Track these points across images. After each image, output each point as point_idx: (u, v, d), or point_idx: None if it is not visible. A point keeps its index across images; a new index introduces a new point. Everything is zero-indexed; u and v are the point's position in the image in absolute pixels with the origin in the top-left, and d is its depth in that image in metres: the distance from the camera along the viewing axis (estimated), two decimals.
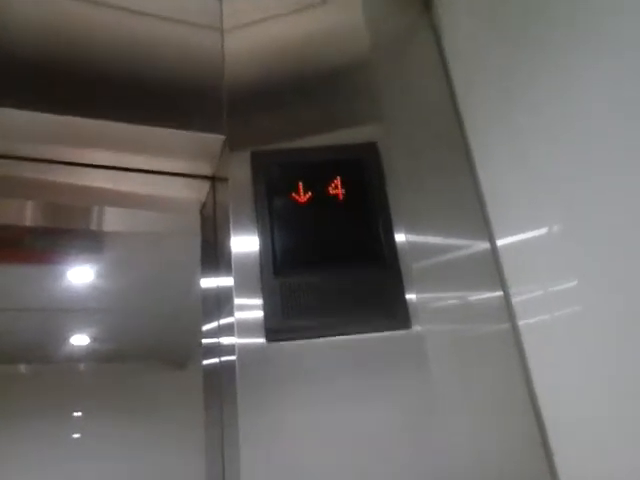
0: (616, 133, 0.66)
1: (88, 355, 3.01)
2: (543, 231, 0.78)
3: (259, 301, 0.78)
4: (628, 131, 0.64)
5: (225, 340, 0.84)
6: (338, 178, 0.86)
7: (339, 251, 0.82)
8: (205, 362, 0.97)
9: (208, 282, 0.99)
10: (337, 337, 0.77)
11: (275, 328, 0.76)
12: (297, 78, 0.96)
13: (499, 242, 0.86)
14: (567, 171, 0.74)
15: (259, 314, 0.77)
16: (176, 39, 0.97)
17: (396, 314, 0.79)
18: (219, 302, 0.90)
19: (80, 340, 2.90)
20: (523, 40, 0.82)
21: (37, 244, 1.85)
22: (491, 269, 0.85)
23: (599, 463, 0.69)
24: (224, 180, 0.91)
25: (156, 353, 3.11)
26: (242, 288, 0.79)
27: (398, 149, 0.91)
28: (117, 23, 0.95)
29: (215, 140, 0.91)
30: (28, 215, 1.04)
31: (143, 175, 0.98)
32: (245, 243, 0.82)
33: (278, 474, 0.69)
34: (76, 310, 2.41)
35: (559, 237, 0.75)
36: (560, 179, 0.75)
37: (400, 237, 0.84)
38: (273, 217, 0.83)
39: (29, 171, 0.93)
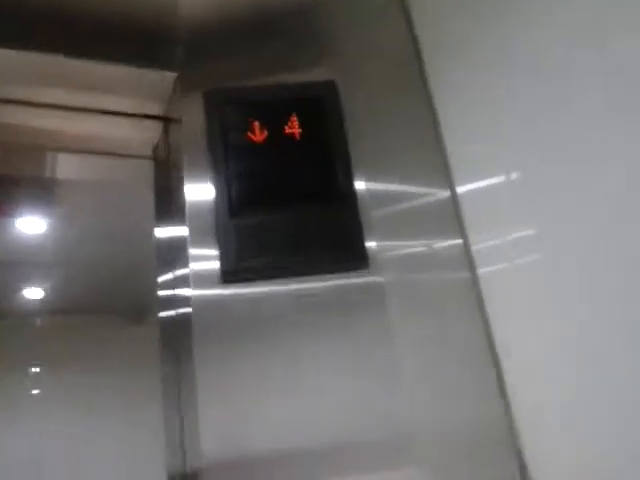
0: (577, 78, 0.65)
1: (43, 309, 2.95)
2: (503, 178, 0.77)
3: (215, 251, 0.75)
4: (590, 75, 0.63)
5: (180, 292, 0.81)
6: (295, 116, 0.83)
7: (296, 191, 0.80)
8: (161, 314, 0.94)
9: (162, 232, 0.96)
10: (294, 278, 0.76)
11: (231, 270, 0.75)
12: (255, 15, 0.92)
13: (459, 189, 0.85)
14: (528, 118, 0.73)
15: (215, 264, 0.75)
16: None
17: (354, 254, 0.78)
18: (174, 252, 0.88)
19: (34, 293, 2.84)
20: None
21: None
22: (451, 217, 0.84)
23: (556, 410, 0.69)
24: (177, 121, 0.87)
25: (114, 306, 3.07)
26: (197, 237, 0.77)
27: (357, 90, 0.88)
28: None
29: (167, 78, 0.87)
30: None
31: (93, 115, 0.93)
32: (199, 190, 0.79)
33: (236, 425, 0.68)
34: (28, 262, 2.33)
35: (519, 184, 0.75)
36: (521, 125, 0.74)
37: (360, 185, 0.82)
38: (228, 157, 0.80)
39: None
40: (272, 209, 0.79)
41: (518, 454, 0.73)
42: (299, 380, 0.72)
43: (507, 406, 0.75)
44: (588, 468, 0.65)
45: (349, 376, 0.73)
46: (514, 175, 0.75)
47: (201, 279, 0.74)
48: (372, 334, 0.75)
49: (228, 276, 0.75)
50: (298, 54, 0.90)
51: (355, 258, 0.78)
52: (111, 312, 3.16)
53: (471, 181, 0.83)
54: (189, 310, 0.73)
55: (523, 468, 0.72)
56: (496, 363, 0.77)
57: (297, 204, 0.80)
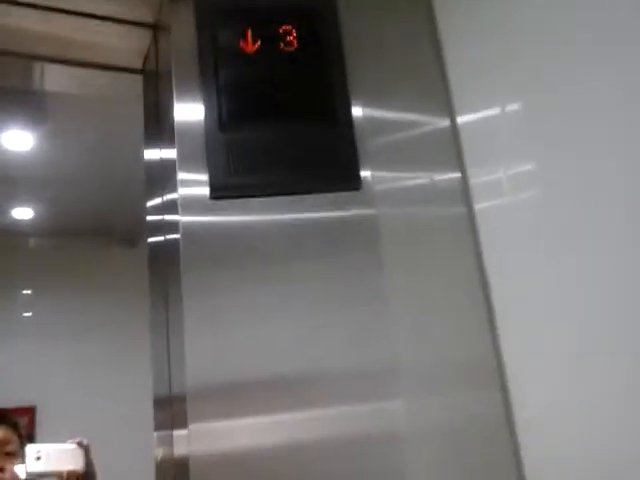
0: (582, 16, 0.63)
1: (34, 229, 2.91)
2: (504, 111, 0.75)
3: (204, 177, 0.72)
4: (593, 18, 0.62)
5: (169, 217, 0.79)
6: (291, 27, 0.79)
7: (290, 107, 0.77)
8: (150, 240, 0.93)
9: (151, 154, 0.93)
10: (285, 196, 0.74)
11: (220, 185, 0.72)
12: None
13: (460, 120, 0.82)
14: (532, 50, 0.70)
15: (204, 190, 0.72)
16: None
17: (346, 174, 0.76)
18: (163, 176, 0.84)
19: (24, 213, 2.79)
20: None
21: None
22: (450, 148, 0.82)
23: (548, 357, 0.69)
24: (166, 29, 0.83)
25: (106, 228, 3.02)
26: (186, 160, 0.73)
27: (359, 10, 0.84)
28: None
29: None
30: None
31: (80, 18, 0.89)
32: (189, 106, 0.75)
33: (221, 350, 0.68)
34: (16, 179, 2.26)
35: (520, 118, 0.73)
36: (524, 59, 0.72)
37: (357, 111, 0.79)
38: (219, 68, 0.76)
39: None
40: (264, 124, 0.76)
41: (503, 390, 0.73)
42: (287, 308, 0.71)
43: (495, 340, 0.75)
44: (570, 406, 0.66)
45: (338, 305, 0.72)
46: (515, 108, 0.74)
47: (190, 204, 0.72)
48: (364, 264, 0.74)
49: (217, 192, 0.72)
50: None
51: (348, 178, 0.76)
52: (103, 234, 3.13)
53: (472, 112, 0.81)
54: (177, 236, 0.71)
55: (507, 404, 0.72)
56: (487, 299, 0.76)
57: (290, 120, 0.77)
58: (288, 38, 0.79)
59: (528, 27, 0.70)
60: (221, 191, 0.72)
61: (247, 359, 0.68)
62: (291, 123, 0.77)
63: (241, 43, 0.77)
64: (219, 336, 0.68)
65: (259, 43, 0.78)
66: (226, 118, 0.75)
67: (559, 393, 0.67)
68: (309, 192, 0.74)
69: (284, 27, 0.79)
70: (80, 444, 1.20)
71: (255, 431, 0.66)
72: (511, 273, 0.75)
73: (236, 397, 0.67)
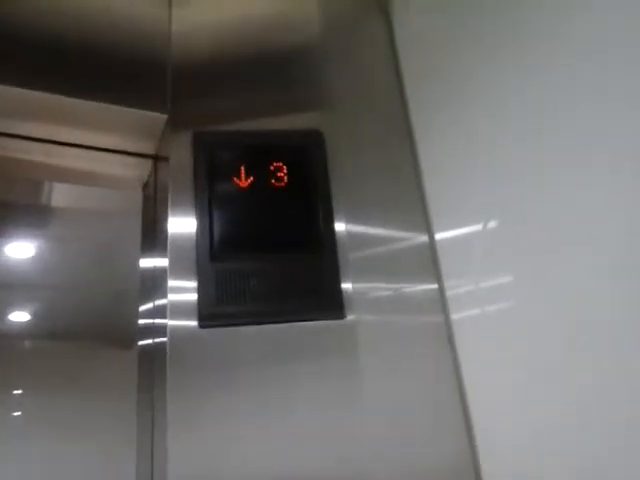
0: (555, 130, 0.67)
1: (28, 332, 2.93)
2: (480, 226, 0.78)
3: (193, 284, 0.76)
4: (567, 127, 0.65)
5: (158, 321, 0.83)
6: (281, 164, 0.85)
7: (278, 239, 0.81)
8: (140, 343, 0.96)
9: (146, 262, 0.97)
10: (270, 325, 0.77)
11: (208, 314, 0.75)
12: (246, 60, 0.95)
13: (437, 236, 0.87)
14: (506, 168, 0.74)
15: (193, 297, 0.75)
16: (122, 11, 0.94)
17: (331, 304, 0.79)
18: (155, 283, 0.89)
19: (20, 317, 2.83)
20: (472, 32, 0.83)
21: None
22: (428, 262, 0.86)
23: (525, 462, 0.70)
24: (165, 160, 0.88)
25: (101, 333, 3.04)
26: (177, 270, 0.77)
27: (343, 138, 0.90)
28: None
29: (157, 119, 0.89)
30: None
31: (84, 151, 0.95)
32: (183, 225, 0.80)
33: (203, 458, 0.69)
34: (15, 286, 2.34)
35: (496, 233, 0.76)
36: (499, 176, 0.75)
37: (340, 226, 0.83)
38: (213, 201, 0.81)
39: None
40: (253, 256, 0.79)
41: None
42: (268, 419, 0.72)
43: (474, 450, 0.76)
44: None
45: (318, 415, 0.74)
46: (490, 223, 0.77)
47: (179, 310, 0.75)
48: (343, 377, 0.76)
49: (205, 320, 0.75)
50: (286, 99, 0.92)
51: (332, 308, 0.79)
52: (98, 337, 3.14)
53: (449, 227, 0.85)
54: (165, 339, 0.74)
55: None
56: (464, 406, 0.78)
57: (278, 252, 0.80)
58: (279, 174, 0.84)
59: (504, 148, 0.75)
60: (208, 320, 0.75)
61: (227, 468, 0.69)
62: (278, 255, 0.80)
63: (235, 178, 0.82)
64: (201, 443, 0.69)
65: (252, 179, 0.83)
66: (217, 249, 0.78)
67: None
68: (293, 321, 0.77)
69: (275, 164, 0.84)
70: None
71: None
72: (486, 380, 0.76)
73: None
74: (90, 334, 2.98)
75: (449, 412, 0.77)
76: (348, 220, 0.84)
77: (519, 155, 0.72)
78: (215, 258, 0.78)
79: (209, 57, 0.93)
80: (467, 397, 0.78)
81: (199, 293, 0.75)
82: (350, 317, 0.78)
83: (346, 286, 0.80)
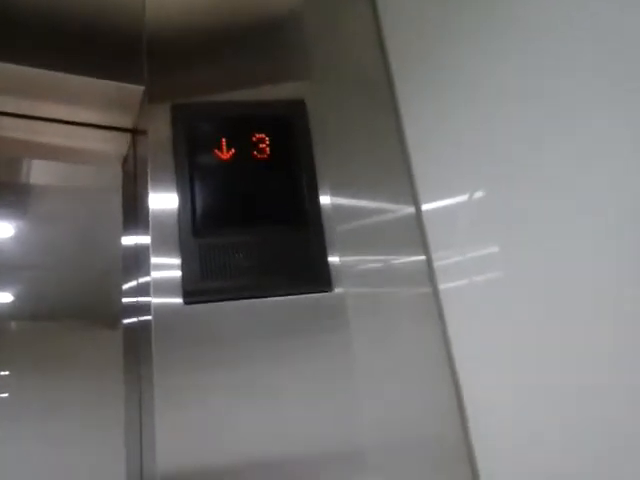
0: (539, 98, 0.66)
1: (13, 314, 2.93)
2: (467, 197, 0.78)
3: (177, 260, 0.75)
4: (552, 96, 0.65)
5: (142, 299, 0.82)
6: (264, 135, 0.83)
7: (261, 212, 0.80)
8: (125, 321, 0.95)
9: (128, 240, 0.96)
10: (255, 300, 0.76)
11: (193, 290, 0.74)
12: (224, 29, 0.92)
13: (424, 207, 0.86)
14: (491, 137, 0.74)
15: (176, 274, 0.75)
16: None
17: (318, 277, 0.78)
18: (138, 260, 0.88)
19: (3, 298, 2.82)
20: (456, 6, 0.81)
21: None
22: (415, 233, 0.86)
23: (511, 429, 0.70)
24: (144, 133, 0.86)
25: (86, 312, 3.05)
26: (159, 247, 0.76)
27: (326, 108, 0.89)
28: None
29: (134, 91, 0.86)
30: None
31: (61, 126, 0.93)
32: (164, 201, 0.79)
33: (191, 435, 0.68)
34: None
35: (482, 203, 0.76)
36: (484, 145, 0.75)
37: (325, 199, 0.83)
38: (193, 175, 0.79)
39: None
40: (236, 230, 0.78)
41: (473, 469, 0.74)
42: (256, 395, 0.72)
43: (464, 420, 0.76)
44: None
45: (307, 390, 0.73)
46: (477, 194, 0.76)
47: (163, 288, 0.74)
48: (332, 349, 0.76)
49: (190, 297, 0.74)
50: (268, 69, 0.90)
51: (319, 281, 0.78)
52: (83, 317, 3.15)
53: (435, 199, 0.85)
54: (149, 318, 0.73)
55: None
56: (454, 377, 0.78)
57: (262, 226, 0.79)
58: (261, 146, 0.82)
59: (488, 116, 0.74)
60: (193, 296, 0.74)
61: (214, 445, 0.69)
62: (263, 228, 0.79)
63: (216, 151, 0.81)
64: (189, 420, 0.69)
65: (233, 151, 0.81)
66: (199, 224, 0.77)
67: (527, 467, 0.68)
68: (279, 295, 0.76)
69: (257, 135, 0.82)
70: None
71: None
72: (474, 350, 0.76)
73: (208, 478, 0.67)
74: (74, 314, 2.99)
75: (439, 383, 0.78)
76: (333, 193, 0.83)
77: (505, 125, 0.72)
78: (198, 233, 0.76)
79: (185, 26, 0.91)
80: (456, 368, 0.79)
81: (183, 270, 0.74)
82: (338, 290, 0.78)
83: (333, 259, 0.79)
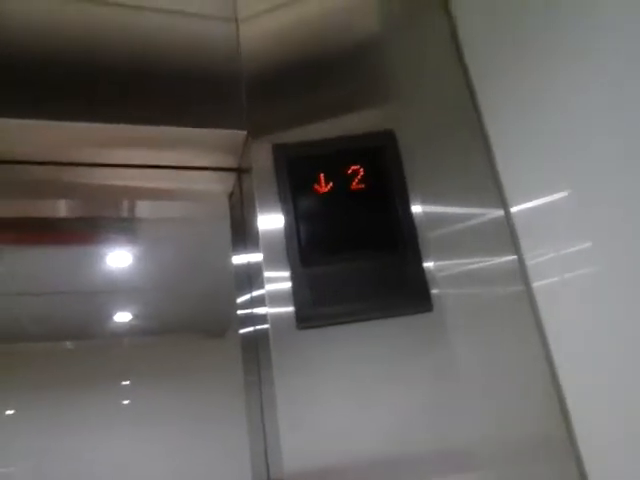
0: (631, 96, 0.67)
1: (131, 330, 3.16)
2: (556, 195, 0.79)
3: (286, 273, 0.82)
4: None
5: (258, 310, 0.90)
6: (358, 167, 0.88)
7: (361, 239, 0.85)
8: (242, 331, 1.02)
9: (239, 259, 1.04)
10: (363, 322, 0.81)
11: (305, 316, 0.80)
12: (313, 60, 0.98)
13: (513, 209, 0.88)
14: (579, 134, 0.75)
15: (287, 285, 0.82)
16: (190, 34, 0.99)
17: (418, 298, 0.82)
18: (250, 276, 0.95)
19: (123, 317, 3.04)
20: (536, 21, 0.83)
21: (76, 228, 1.95)
22: (505, 235, 0.88)
23: (616, 426, 0.71)
24: (248, 171, 0.94)
25: (195, 325, 3.24)
26: (270, 262, 0.84)
27: (414, 132, 0.93)
28: (128, 22, 0.97)
29: (237, 135, 0.94)
30: (63, 210, 1.11)
31: (172, 171, 1.01)
32: (271, 222, 0.86)
33: (314, 437, 0.75)
34: (117, 291, 2.53)
35: (572, 200, 0.77)
36: (573, 142, 0.76)
37: (417, 209, 0.87)
38: (297, 208, 0.86)
39: (64, 174, 0.98)
40: (341, 257, 0.84)
41: (579, 468, 0.76)
42: (373, 399, 0.77)
43: (567, 421, 0.78)
44: None
45: (417, 393, 0.78)
46: (566, 192, 0.77)
47: (276, 299, 0.82)
48: (435, 355, 0.80)
49: (303, 322, 0.80)
50: (357, 101, 0.95)
51: (420, 302, 0.82)
52: (193, 329, 3.34)
53: (523, 200, 0.86)
54: (267, 326, 0.81)
55: (584, 478, 0.75)
56: (554, 375, 0.80)
57: (363, 252, 0.84)
58: (356, 177, 0.87)
59: (575, 114, 0.75)
60: (306, 322, 0.80)
61: (338, 444, 0.74)
62: (364, 255, 0.84)
63: (315, 186, 0.87)
64: (312, 421, 0.75)
65: (331, 184, 0.87)
66: (306, 254, 0.83)
67: (633, 466, 0.68)
68: (384, 318, 0.82)
69: (352, 167, 0.88)
70: None
71: None
72: (572, 345, 0.77)
73: (330, 476, 0.73)
74: (186, 327, 3.19)
75: (539, 382, 0.80)
76: (424, 202, 0.88)
77: (594, 121, 0.72)
78: (306, 262, 0.83)
79: (276, 67, 0.97)
80: (556, 367, 0.80)
81: (295, 298, 0.81)
82: (435, 294, 0.82)
83: (428, 265, 0.84)
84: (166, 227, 1.85)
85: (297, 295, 0.81)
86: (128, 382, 3.37)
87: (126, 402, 3.35)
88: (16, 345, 3.18)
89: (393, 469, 0.75)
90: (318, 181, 0.87)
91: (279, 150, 0.90)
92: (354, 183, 0.88)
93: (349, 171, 0.88)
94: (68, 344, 3.33)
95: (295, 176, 0.88)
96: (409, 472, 0.75)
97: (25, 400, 3.19)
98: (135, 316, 2.98)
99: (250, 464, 0.91)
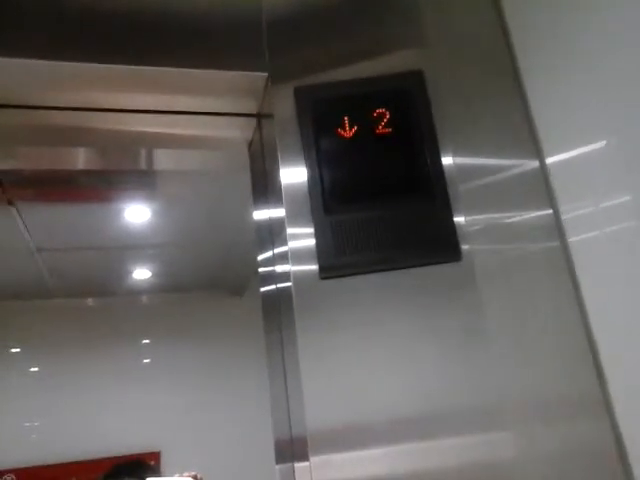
0: None
1: (150, 288, 3.19)
2: (593, 147, 0.76)
3: (310, 229, 0.79)
4: None
5: (280, 268, 0.87)
6: (384, 110, 0.84)
7: (387, 185, 0.82)
8: (263, 289, 1.00)
9: (260, 214, 1.01)
10: (388, 272, 0.78)
11: (328, 266, 0.78)
12: (337, 4, 0.94)
13: (548, 160, 0.85)
14: (617, 84, 0.72)
15: (311, 242, 0.79)
16: None
17: (447, 247, 0.79)
18: (272, 232, 0.93)
19: (142, 274, 3.07)
20: None
21: (94, 183, 1.95)
22: (540, 188, 0.84)
23: None
24: (270, 117, 0.91)
25: (215, 282, 3.26)
26: (293, 218, 0.81)
27: (444, 74, 0.89)
28: None
29: (258, 78, 0.90)
30: (82, 160, 1.08)
31: (190, 116, 0.98)
32: (294, 177, 0.83)
33: (336, 393, 0.73)
34: (136, 247, 2.54)
35: (610, 152, 0.74)
36: (610, 92, 0.73)
37: (447, 160, 0.83)
38: (320, 154, 0.82)
39: (82, 120, 0.96)
40: (364, 205, 0.80)
41: (612, 423, 0.73)
42: (397, 353, 0.75)
43: (600, 376, 0.75)
44: None
45: (441, 350, 0.76)
46: (604, 143, 0.74)
47: (299, 256, 0.79)
48: (464, 309, 0.77)
49: (326, 272, 0.77)
50: (383, 39, 0.91)
51: (449, 251, 0.79)
52: (212, 287, 3.36)
53: (560, 151, 0.83)
54: (289, 284, 0.78)
55: (618, 438, 0.73)
56: (588, 332, 0.77)
57: (389, 199, 0.81)
58: (382, 121, 0.83)
59: (609, 65, 0.72)
60: (329, 272, 0.77)
61: (362, 398, 0.73)
62: (389, 202, 0.80)
63: (339, 129, 0.83)
64: (335, 376, 0.73)
65: (355, 128, 0.83)
66: (329, 201, 0.80)
67: None
68: (412, 267, 0.78)
69: (378, 111, 0.84)
70: (195, 477, 1.30)
71: (373, 461, 0.71)
72: (609, 302, 0.75)
73: (353, 433, 0.71)
74: (206, 285, 3.20)
75: (572, 338, 0.77)
76: (455, 153, 0.84)
77: (630, 72, 0.69)
78: (329, 210, 0.80)
79: (299, 8, 0.93)
80: (590, 323, 0.77)
81: (317, 246, 0.78)
82: (465, 249, 0.79)
83: (459, 219, 0.80)
84: (184, 181, 1.83)
85: (320, 244, 0.78)
86: (148, 340, 3.42)
87: (147, 361, 3.41)
88: (36, 301, 3.23)
89: (419, 427, 0.73)
90: (342, 125, 0.83)
91: (301, 92, 0.86)
92: (380, 127, 0.83)
93: (374, 114, 0.84)
94: (89, 301, 3.38)
95: (318, 119, 0.84)
96: (436, 429, 0.73)
97: (47, 357, 3.26)
98: (154, 274, 3.00)
99: (272, 421, 0.91)
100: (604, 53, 0.74)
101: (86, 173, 1.81)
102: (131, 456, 2.82)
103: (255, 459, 2.36)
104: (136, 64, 0.87)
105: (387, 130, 0.84)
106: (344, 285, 0.78)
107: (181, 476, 1.39)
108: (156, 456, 3.09)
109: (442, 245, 0.79)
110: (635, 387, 0.72)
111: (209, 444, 3.13)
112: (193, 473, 1.35)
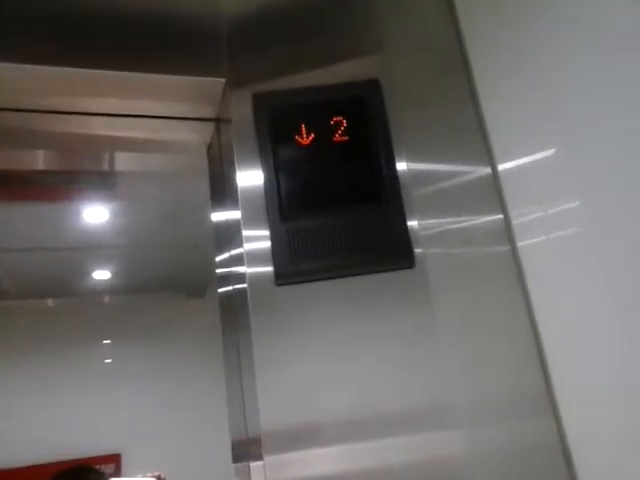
0: (617, 56, 0.66)
1: (111, 288, 3.16)
2: (544, 154, 0.78)
3: (266, 232, 0.80)
4: (627, 57, 0.64)
5: (236, 269, 0.87)
6: (341, 118, 0.85)
7: (343, 192, 0.82)
8: (220, 290, 1.00)
9: (218, 216, 1.02)
10: (343, 278, 0.80)
11: (284, 273, 0.78)
12: (294, 11, 0.95)
13: (500, 167, 0.86)
14: (566, 94, 0.74)
15: (266, 244, 0.80)
16: None
17: (401, 254, 0.80)
18: (229, 234, 0.93)
19: (102, 275, 3.03)
20: None
21: (52, 183, 1.92)
22: (492, 193, 0.86)
23: (597, 383, 0.71)
24: (228, 122, 0.91)
25: (176, 284, 3.25)
26: (249, 221, 0.81)
27: (399, 82, 0.90)
28: None
29: (216, 83, 0.91)
30: (41, 161, 1.07)
31: (150, 120, 0.98)
32: (251, 179, 0.83)
33: (290, 394, 0.74)
34: (96, 247, 2.51)
35: (560, 159, 0.75)
36: (559, 102, 0.75)
37: (402, 166, 0.84)
38: (277, 161, 0.82)
39: (41, 123, 0.95)
40: (321, 212, 0.81)
41: (557, 420, 0.75)
42: (350, 356, 0.77)
43: (547, 377, 0.77)
44: (622, 430, 0.67)
45: (391, 352, 0.77)
46: (554, 151, 0.76)
47: (255, 258, 0.79)
48: (416, 312, 0.79)
49: (281, 279, 0.78)
50: (342, 49, 0.92)
51: (402, 257, 0.80)
52: (173, 289, 3.34)
53: (510, 158, 0.85)
54: (245, 286, 0.79)
55: (563, 437, 0.75)
56: (536, 334, 0.79)
57: (344, 206, 0.81)
58: (339, 129, 0.84)
59: (562, 71, 0.74)
60: (285, 279, 0.78)
61: (315, 399, 0.74)
62: (345, 209, 0.81)
63: (296, 136, 0.83)
64: (289, 378, 0.74)
65: (312, 135, 0.83)
66: (286, 208, 0.80)
67: (609, 418, 0.69)
68: (365, 274, 0.79)
69: (335, 119, 0.84)
70: (158, 477, 1.29)
71: (325, 460, 0.72)
72: (556, 305, 0.77)
73: (306, 432, 0.73)
74: (166, 286, 3.19)
75: (520, 340, 0.79)
76: (409, 159, 0.85)
77: (578, 82, 0.71)
78: (285, 218, 0.80)
79: (258, 15, 0.94)
80: (538, 326, 0.79)
81: (273, 254, 0.79)
82: (418, 253, 0.80)
83: (412, 223, 0.82)
84: (144, 182, 1.82)
85: (276, 251, 0.79)
86: (109, 341, 3.38)
87: (108, 361, 3.36)
88: None
89: (370, 426, 0.74)
90: (299, 132, 0.84)
91: (259, 99, 0.86)
92: (337, 135, 0.84)
93: (332, 122, 0.85)
94: (49, 301, 3.32)
95: (275, 126, 0.84)
96: (387, 429, 0.74)
97: (4, 359, 3.19)
98: (114, 274, 2.97)
99: (228, 421, 0.91)
100: (554, 63, 0.76)
101: (44, 173, 1.79)
102: (79, 461, 2.76)
103: (214, 459, 2.36)
104: (97, 68, 0.87)
105: (344, 138, 0.84)
106: (299, 291, 0.79)
107: (144, 476, 1.38)
108: (116, 458, 3.05)
109: (396, 251, 0.80)
110: (580, 388, 0.74)
111: (169, 445, 3.11)
112: (157, 473, 1.34)
